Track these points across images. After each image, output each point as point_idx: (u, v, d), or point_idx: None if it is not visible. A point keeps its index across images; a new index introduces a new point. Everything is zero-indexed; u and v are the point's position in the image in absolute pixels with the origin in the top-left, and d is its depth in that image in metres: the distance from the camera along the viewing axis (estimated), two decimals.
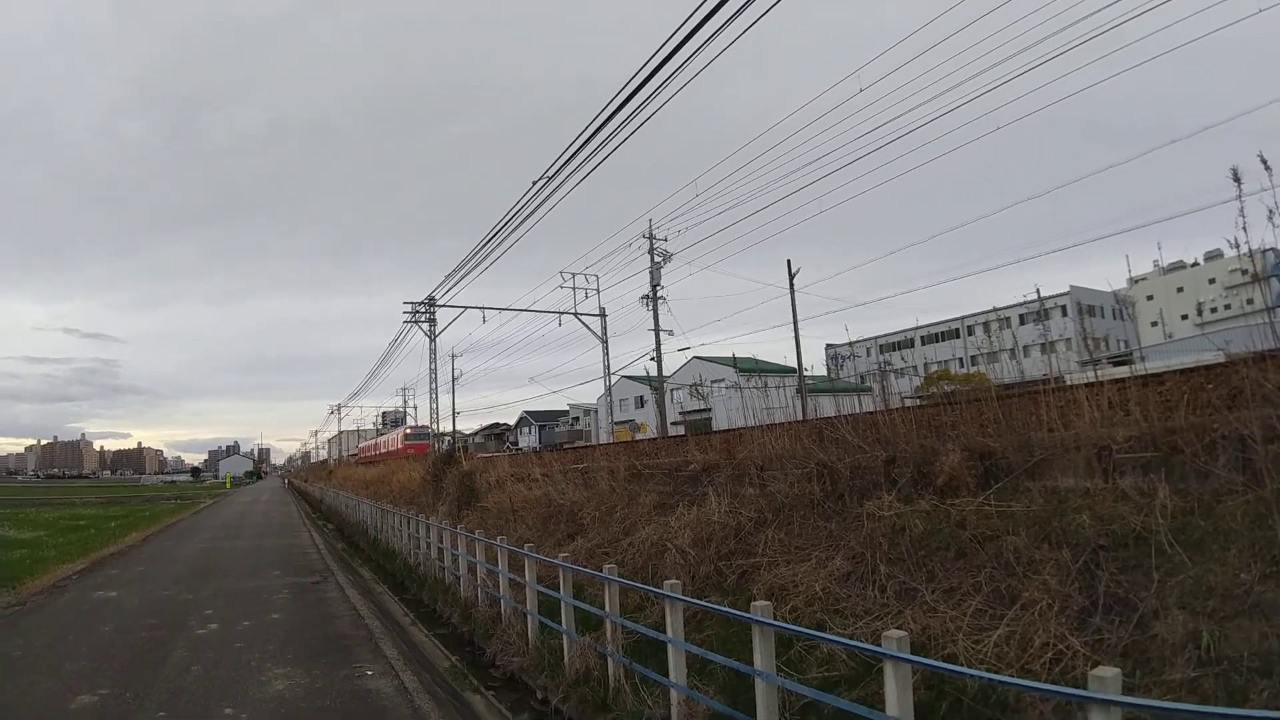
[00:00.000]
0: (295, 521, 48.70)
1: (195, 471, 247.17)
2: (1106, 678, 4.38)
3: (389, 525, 27.18)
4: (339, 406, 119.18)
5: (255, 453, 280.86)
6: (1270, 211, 7.27)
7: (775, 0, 11.24)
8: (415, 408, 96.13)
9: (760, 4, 11.21)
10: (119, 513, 55.68)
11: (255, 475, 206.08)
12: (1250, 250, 7.67)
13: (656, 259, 41.23)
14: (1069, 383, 9.64)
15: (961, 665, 6.24)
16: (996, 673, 6.03)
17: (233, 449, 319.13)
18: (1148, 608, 6.14)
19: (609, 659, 9.64)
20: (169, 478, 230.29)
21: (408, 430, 78.07)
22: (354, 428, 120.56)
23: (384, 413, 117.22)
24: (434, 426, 52.61)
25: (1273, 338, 7.57)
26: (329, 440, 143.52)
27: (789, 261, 40.49)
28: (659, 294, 41.47)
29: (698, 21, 11.91)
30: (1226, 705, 5.08)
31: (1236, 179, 7.23)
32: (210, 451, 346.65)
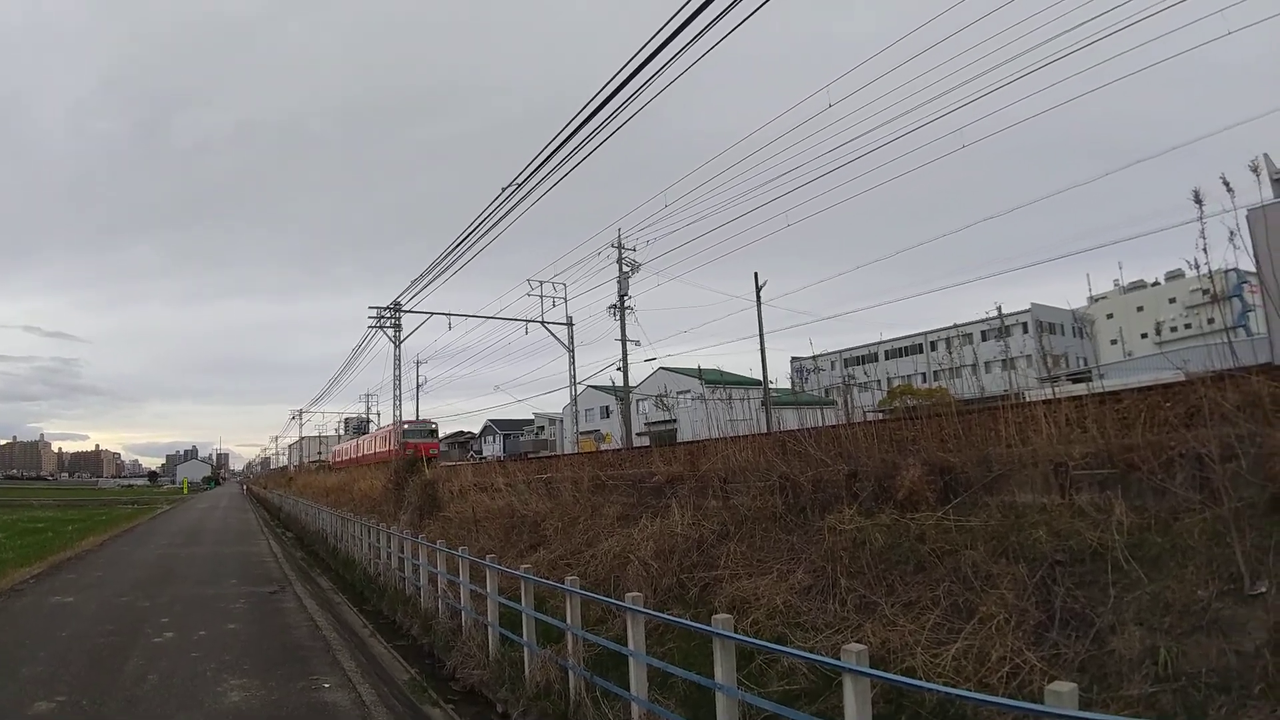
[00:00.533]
0: (253, 529, 48.00)
1: (153, 476, 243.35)
2: (1063, 692, 4.42)
3: (349, 534, 26.88)
4: (300, 412, 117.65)
5: (214, 458, 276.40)
6: (1231, 233, 7.42)
7: (747, 15, 11.33)
8: (378, 414, 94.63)
9: (731, 18, 11.31)
10: (77, 516, 54.52)
11: (213, 481, 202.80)
12: (1210, 271, 7.80)
13: (625, 268, 41.35)
14: (1028, 400, 9.76)
15: (920, 679, 6.28)
16: (954, 686, 6.09)
17: (190, 453, 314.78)
18: (1104, 623, 6.22)
19: (570, 672, 9.58)
20: (126, 481, 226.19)
21: (406, 425, 55.14)
22: (315, 434, 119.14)
23: (346, 419, 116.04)
24: (397, 434, 52.29)
25: (1231, 357, 7.71)
26: (290, 446, 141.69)
27: (756, 274, 40.84)
28: (626, 304, 41.61)
29: (670, 33, 11.99)
30: None
31: (1198, 200, 7.38)
32: (168, 455, 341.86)
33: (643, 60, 12.84)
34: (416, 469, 28.69)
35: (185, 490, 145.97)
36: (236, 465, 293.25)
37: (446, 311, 46.08)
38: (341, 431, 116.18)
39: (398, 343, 47.65)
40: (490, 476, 22.88)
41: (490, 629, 12.01)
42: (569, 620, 9.74)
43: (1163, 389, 8.53)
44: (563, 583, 10.02)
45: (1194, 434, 6.95)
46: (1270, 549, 5.95)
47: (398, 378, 49.22)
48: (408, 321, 47.32)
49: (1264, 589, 5.78)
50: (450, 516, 21.55)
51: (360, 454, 71.06)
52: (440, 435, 73.19)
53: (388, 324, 47.19)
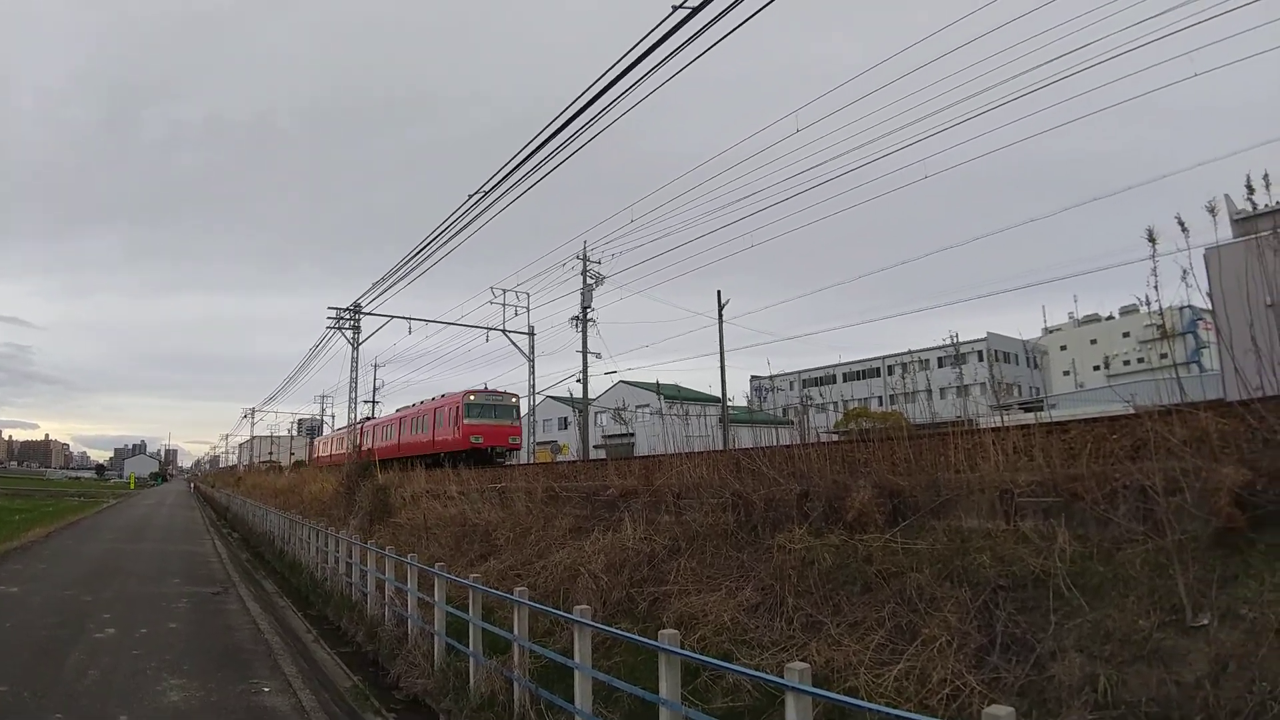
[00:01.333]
0: (199, 528, 47.32)
1: (100, 469, 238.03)
2: (1000, 715, 4.46)
3: (297, 537, 26.50)
4: (253, 411, 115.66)
5: (162, 454, 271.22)
6: (1184, 271, 7.58)
7: (720, 39, 11.45)
8: (333, 416, 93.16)
9: (705, 39, 11.44)
10: (24, 506, 53.72)
11: (160, 477, 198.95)
12: (1161, 307, 7.96)
13: (589, 281, 41.30)
14: (978, 427, 9.90)
15: (862, 699, 6.31)
16: (895, 707, 6.13)
17: (139, 448, 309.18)
18: (1045, 649, 6.31)
19: (515, 683, 9.52)
20: (74, 473, 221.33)
21: (472, 396, 38.32)
22: (268, 433, 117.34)
23: (299, 419, 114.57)
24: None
25: (1179, 393, 7.87)
26: (240, 445, 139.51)
27: (719, 292, 40.92)
28: (589, 316, 41.52)
29: (642, 52, 12.12)
30: None
31: (1151, 239, 7.53)
32: (116, 449, 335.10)
33: (614, 77, 12.98)
34: (369, 473, 28.35)
35: (132, 485, 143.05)
36: (185, 462, 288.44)
37: (407, 315, 45.60)
38: (294, 433, 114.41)
39: (356, 344, 47.17)
40: (444, 484, 22.72)
41: (436, 638, 11.91)
42: (516, 631, 9.69)
43: (1109, 421, 8.73)
44: (511, 593, 9.97)
45: (1139, 466, 7.10)
46: (1213, 582, 6.07)
47: (354, 380, 48.67)
48: (367, 325, 46.72)
49: (1206, 621, 5.88)
50: (401, 523, 21.36)
51: (382, 443, 47.67)
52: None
53: (347, 325, 46.67)
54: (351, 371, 48.37)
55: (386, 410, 59.14)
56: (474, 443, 36.08)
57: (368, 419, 55.97)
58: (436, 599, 11.96)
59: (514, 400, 40.18)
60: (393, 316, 45.48)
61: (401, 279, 32.28)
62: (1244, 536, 6.27)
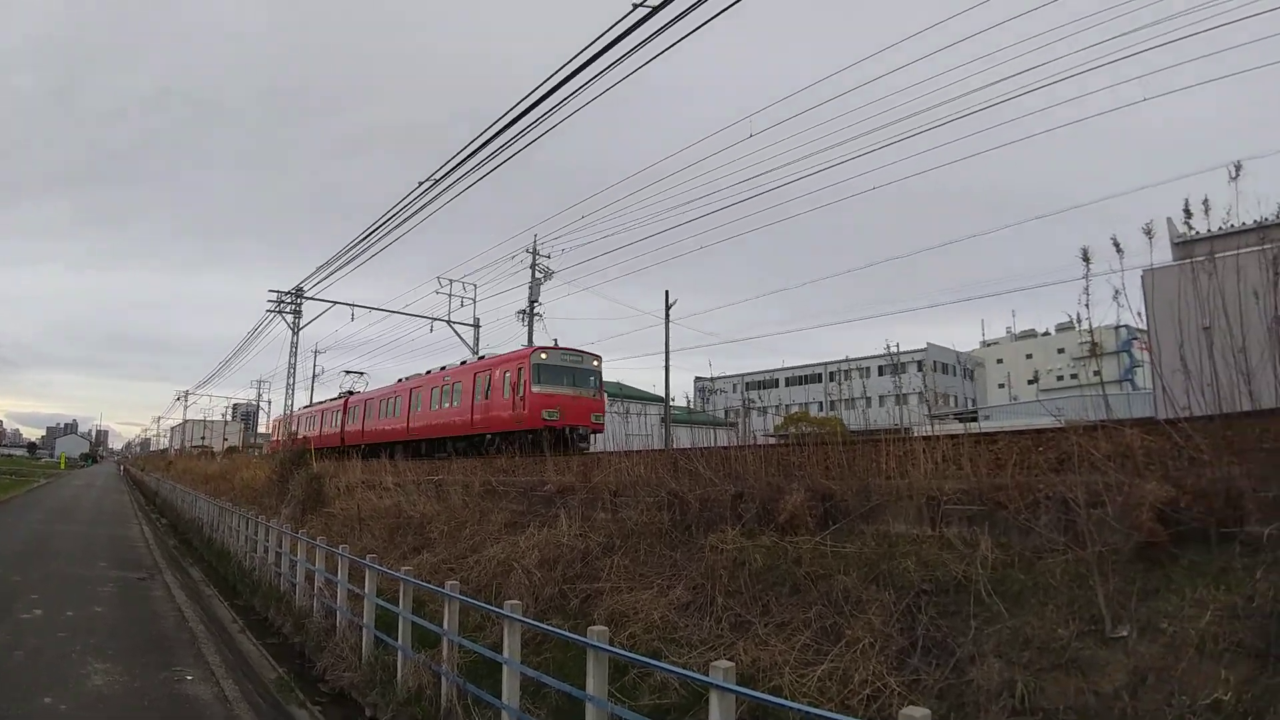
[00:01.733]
0: (128, 512, 46.41)
1: (32, 447, 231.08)
2: (916, 717, 4.56)
3: (226, 525, 26.04)
4: (186, 394, 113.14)
5: (93, 434, 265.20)
6: (1116, 291, 7.78)
7: (677, 40, 11.50)
8: (270, 402, 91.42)
9: (660, 41, 11.50)
10: None
11: (91, 459, 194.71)
12: (1092, 326, 8.17)
13: (538, 275, 40.98)
14: (911, 435, 10.07)
15: (785, 698, 6.38)
16: (817, 706, 6.21)
17: (71, 427, 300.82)
18: (965, 653, 6.42)
19: (443, 678, 9.46)
20: (5, 451, 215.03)
21: (543, 355, 27.76)
22: (201, 418, 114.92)
23: (235, 405, 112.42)
24: (288, 426, 50.52)
25: (1105, 409, 8.08)
26: (172, 429, 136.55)
27: (666, 293, 41.16)
28: (536, 310, 41.19)
29: (600, 48, 12.15)
30: None
31: (1086, 259, 7.72)
32: (49, 428, 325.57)
33: (571, 71, 13.03)
34: (303, 462, 27.81)
35: (63, 465, 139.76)
36: (115, 444, 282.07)
37: (350, 302, 44.94)
38: (229, 418, 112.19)
39: (296, 329, 46.46)
40: (380, 475, 22.50)
41: (365, 630, 11.80)
42: (446, 625, 9.64)
43: (1035, 434, 8.98)
44: (443, 587, 9.92)
45: (1063, 479, 7.27)
46: (1133, 595, 6.20)
47: (293, 366, 47.93)
48: (309, 310, 46.11)
49: (1125, 633, 6.02)
50: (334, 513, 21.07)
51: (381, 421, 38.06)
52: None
53: (287, 309, 45.92)
54: (290, 357, 47.71)
55: (275, 410, 54.41)
56: (548, 420, 24.34)
57: (350, 393, 46.39)
58: (366, 591, 11.85)
59: (596, 364, 27.84)
60: (335, 302, 44.98)
61: (347, 264, 32.04)
62: (1166, 552, 6.43)
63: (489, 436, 25.62)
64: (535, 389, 25.78)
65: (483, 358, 31.93)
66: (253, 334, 61.74)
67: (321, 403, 51.17)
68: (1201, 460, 6.87)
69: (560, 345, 28.53)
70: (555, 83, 13.52)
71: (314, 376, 60.03)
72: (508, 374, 27.42)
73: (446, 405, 31.86)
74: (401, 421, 35.55)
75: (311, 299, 44.26)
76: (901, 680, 6.43)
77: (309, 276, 40.54)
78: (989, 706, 5.96)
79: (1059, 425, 8.47)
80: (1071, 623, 6.26)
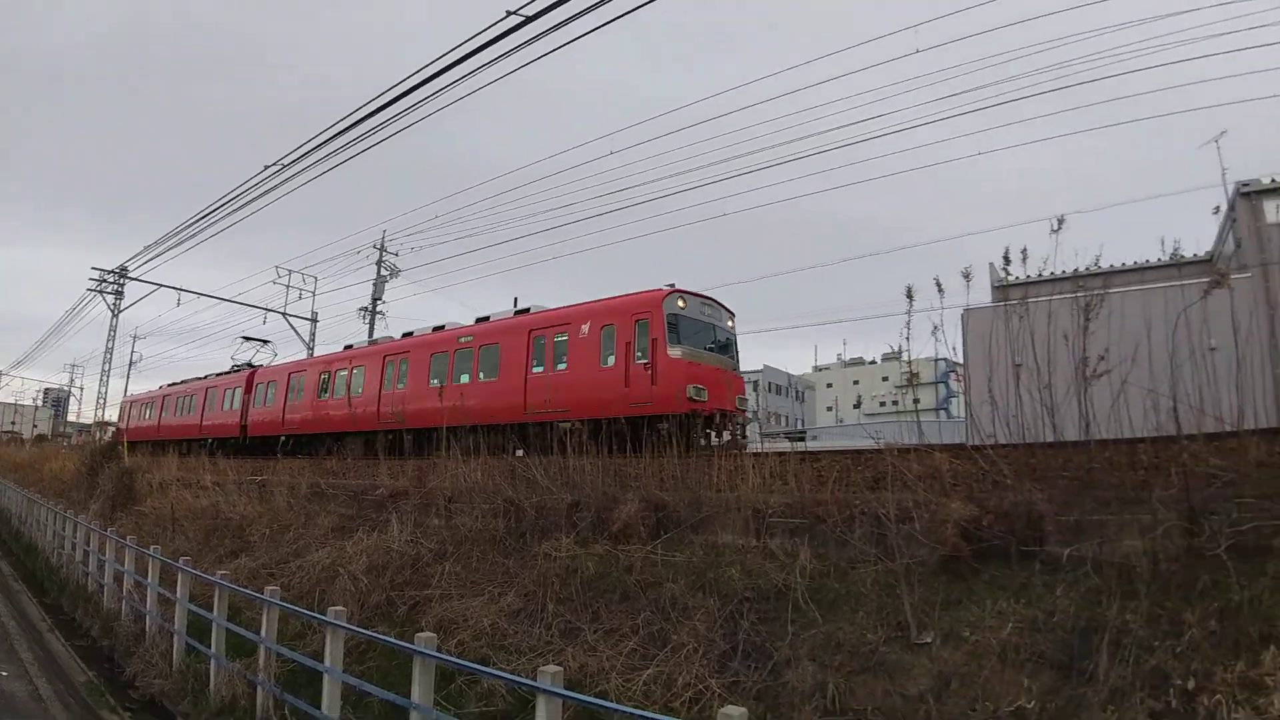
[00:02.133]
0: None
1: None
2: (733, 716, 4.76)
3: (35, 517, 24.43)
4: None
5: None
6: (935, 326, 8.35)
7: (551, 50, 11.60)
8: (82, 389, 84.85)
9: (531, 51, 11.62)
10: None
11: None
12: (910, 357, 8.73)
13: (384, 272, 39.63)
14: (742, 450, 10.48)
15: (611, 702, 6.53)
16: (642, 709, 6.39)
17: None
18: (782, 657, 6.78)
19: (260, 688, 9.15)
20: None
21: (680, 302, 16.87)
22: (12, 401, 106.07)
23: (46, 389, 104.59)
24: (99, 414, 46.62)
25: (918, 434, 8.66)
26: None
27: (515, 299, 40.83)
28: (380, 307, 39.77)
29: (468, 51, 12.14)
30: None
31: (909, 296, 8.29)
32: None
33: (436, 71, 13.02)
34: (115, 455, 26.18)
35: None
36: None
37: (178, 286, 41.75)
38: (39, 403, 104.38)
39: (116, 311, 43.64)
40: (198, 473, 21.47)
41: (176, 637, 11.28)
42: (264, 633, 9.33)
43: (854, 454, 9.53)
44: (262, 593, 9.62)
45: (877, 496, 7.80)
46: (936, 604, 6.69)
47: (109, 351, 45.03)
48: (133, 291, 43.22)
49: (929, 639, 6.49)
50: (146, 511, 20.00)
51: (385, 399, 23.73)
52: None
53: (109, 289, 43.05)
54: (109, 341, 44.80)
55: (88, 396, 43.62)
56: (695, 401, 15.83)
57: (253, 366, 34.42)
58: (179, 596, 11.33)
59: (732, 324, 19.07)
60: (161, 285, 41.87)
61: (177, 245, 30.25)
62: (969, 566, 6.98)
63: (570, 426, 13.44)
64: (673, 352, 16.23)
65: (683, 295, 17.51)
66: (71, 313, 57.07)
67: (202, 379, 36.88)
68: (1004, 484, 7.48)
69: (694, 292, 18.02)
70: (418, 80, 13.41)
71: (131, 364, 55.66)
72: (611, 329, 17.29)
73: (469, 379, 20.70)
74: (370, 403, 23.78)
75: (136, 280, 41.22)
76: (722, 682, 6.71)
77: (135, 256, 37.96)
78: (803, 707, 6.29)
79: (877, 447, 8.99)
80: (880, 628, 6.71)
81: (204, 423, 33.69)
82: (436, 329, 23.71)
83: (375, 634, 8.51)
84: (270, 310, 41.88)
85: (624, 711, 5.78)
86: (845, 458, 9.37)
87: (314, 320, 43.53)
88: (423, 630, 8.04)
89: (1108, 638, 5.93)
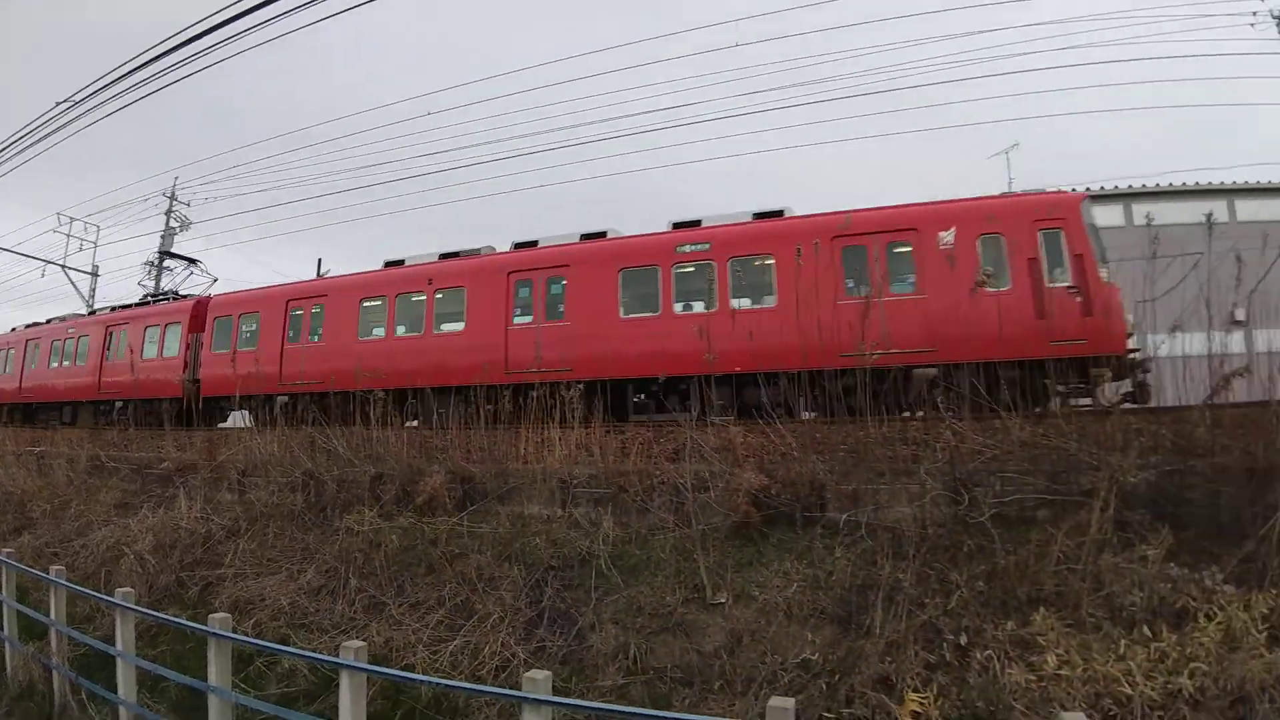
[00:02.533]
0: None
1: None
2: (538, 679, 4.99)
3: None
4: None
5: None
6: None
7: None
8: None
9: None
10: None
11: None
12: None
13: (174, 224, 36.52)
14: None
15: (418, 674, 6.65)
16: (448, 679, 6.56)
17: None
18: (586, 622, 7.14)
19: (55, 672, 8.72)
20: None
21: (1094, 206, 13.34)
22: None
23: None
24: None
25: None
26: None
27: (320, 260, 39.63)
28: (166, 264, 36.73)
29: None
30: (649, 708, 5.98)
31: None
32: None
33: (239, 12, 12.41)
34: None
35: None
36: None
37: None
38: None
39: None
40: None
41: None
42: (54, 615, 8.88)
43: (656, 427, 9.97)
44: (48, 573, 9.13)
45: (676, 467, 8.29)
46: (729, 567, 7.24)
47: None
48: None
49: (724, 600, 6.99)
50: None
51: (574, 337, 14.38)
52: None
53: None
54: None
55: None
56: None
57: (201, 298, 22.86)
58: None
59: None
60: None
61: None
62: (759, 530, 7.57)
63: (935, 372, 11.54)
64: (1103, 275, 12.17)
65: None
66: None
67: (86, 316, 27.43)
68: (792, 456, 8.12)
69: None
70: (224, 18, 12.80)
71: None
72: (998, 240, 12.53)
73: (700, 306, 13.98)
74: (492, 347, 15.15)
75: None
76: (529, 650, 6.97)
77: None
78: (606, 668, 6.67)
79: (677, 420, 9.47)
80: (678, 591, 7.21)
81: (105, 378, 22.57)
82: (589, 236, 15.76)
83: (166, 616, 8.27)
84: (50, 262, 37.67)
85: (429, 682, 5.91)
86: (648, 430, 9.77)
87: (95, 274, 39.66)
88: (217, 611, 7.87)
89: (882, 594, 6.54)
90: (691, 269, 13.88)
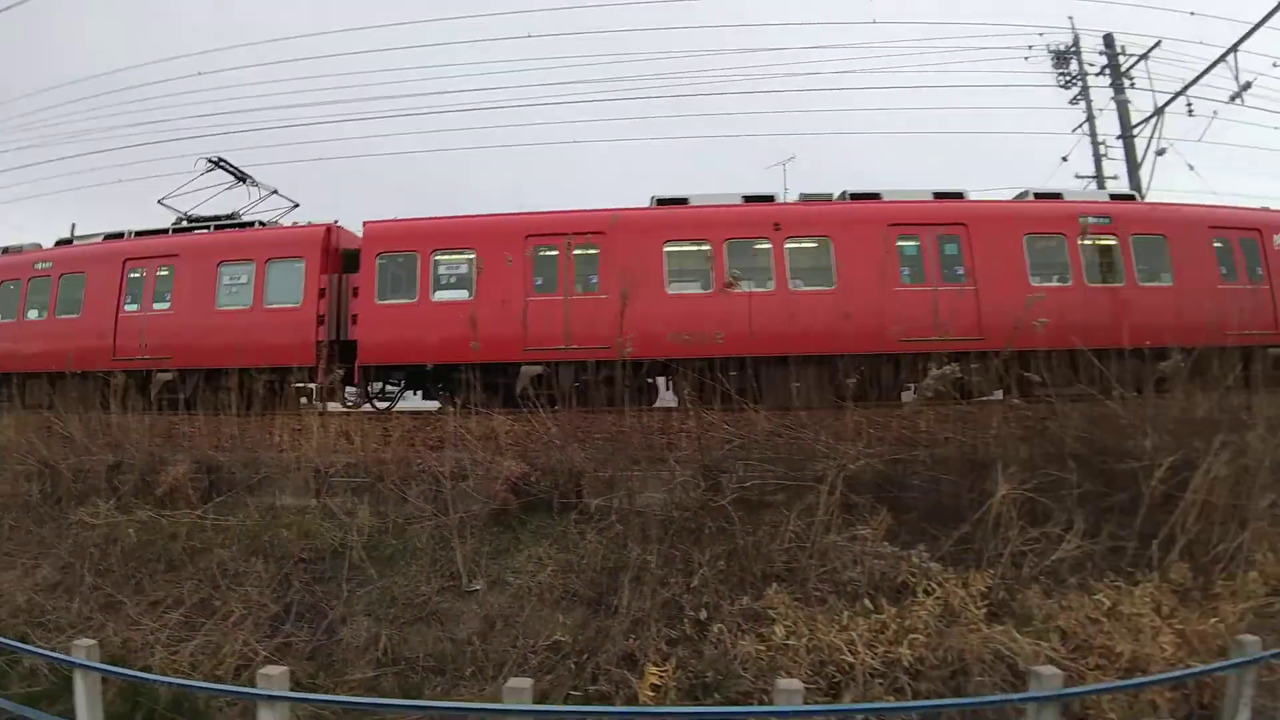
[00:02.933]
0: None
1: None
2: (273, 675, 4.95)
3: None
4: None
5: None
6: None
7: None
8: None
9: None
10: None
11: None
12: None
13: None
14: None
15: (157, 675, 6.40)
16: (189, 679, 6.35)
17: None
18: (336, 615, 7.08)
19: None
20: None
21: None
22: None
23: None
24: None
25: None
26: None
27: (73, 225, 36.18)
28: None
29: None
30: (400, 699, 6.09)
31: None
32: None
33: None
34: None
35: None
36: None
37: None
38: None
39: None
40: None
41: None
42: None
43: (425, 415, 9.96)
44: None
45: (434, 455, 8.33)
46: (485, 554, 7.40)
47: None
48: None
49: (479, 586, 7.14)
50: None
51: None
52: None
53: None
54: None
55: None
56: None
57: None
58: None
59: None
60: None
61: None
62: (516, 517, 7.78)
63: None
64: None
65: None
66: None
67: (90, 241, 15.66)
68: (555, 445, 8.32)
69: None
70: None
71: None
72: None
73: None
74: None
75: None
76: (275, 646, 6.83)
77: None
78: (356, 661, 6.66)
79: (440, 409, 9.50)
80: (434, 579, 7.31)
81: (121, 341, 13.63)
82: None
83: None
84: None
85: (165, 682, 5.74)
86: (412, 419, 9.72)
87: None
88: None
89: (629, 576, 6.88)
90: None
